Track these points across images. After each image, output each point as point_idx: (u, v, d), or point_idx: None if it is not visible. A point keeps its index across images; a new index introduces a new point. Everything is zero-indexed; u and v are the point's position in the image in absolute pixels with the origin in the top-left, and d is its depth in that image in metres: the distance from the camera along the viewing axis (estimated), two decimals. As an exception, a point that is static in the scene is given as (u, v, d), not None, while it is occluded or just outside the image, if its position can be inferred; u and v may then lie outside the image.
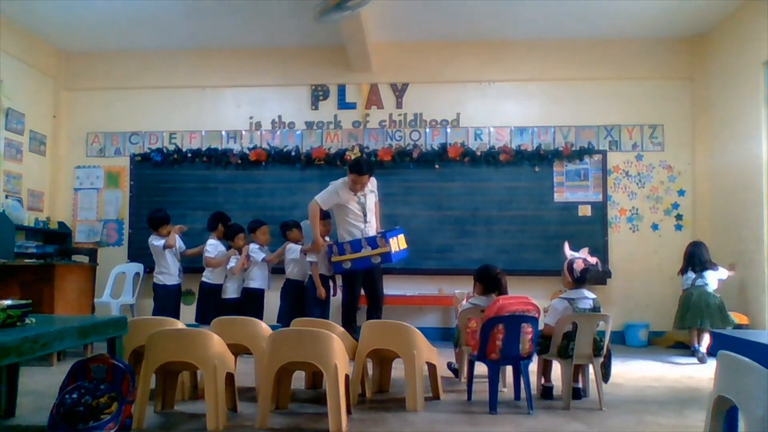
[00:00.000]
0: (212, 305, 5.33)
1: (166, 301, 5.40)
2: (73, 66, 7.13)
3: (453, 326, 5.72)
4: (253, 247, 5.50)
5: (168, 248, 5.42)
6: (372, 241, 4.81)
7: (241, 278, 5.50)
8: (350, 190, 4.98)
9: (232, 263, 5.42)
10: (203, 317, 5.27)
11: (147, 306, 6.65)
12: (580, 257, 3.84)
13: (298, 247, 5.41)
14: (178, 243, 5.63)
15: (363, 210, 5.02)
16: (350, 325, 4.81)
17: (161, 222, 5.49)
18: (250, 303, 5.38)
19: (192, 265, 5.86)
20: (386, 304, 5.37)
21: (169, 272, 5.44)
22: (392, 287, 6.07)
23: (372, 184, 5.16)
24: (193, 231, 6.68)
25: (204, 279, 5.49)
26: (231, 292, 5.45)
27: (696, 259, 5.57)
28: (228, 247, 5.51)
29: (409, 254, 5.26)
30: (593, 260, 3.85)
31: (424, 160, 6.63)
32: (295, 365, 3.32)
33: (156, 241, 5.44)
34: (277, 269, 5.76)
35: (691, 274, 5.56)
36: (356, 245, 4.83)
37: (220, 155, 6.80)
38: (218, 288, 5.46)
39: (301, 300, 5.39)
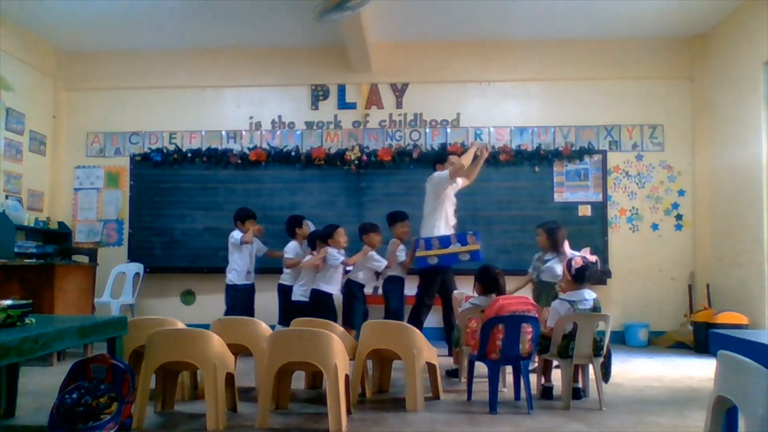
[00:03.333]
0: (285, 305, 5.41)
1: (236, 300, 5.45)
2: (73, 66, 7.13)
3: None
4: (332, 250, 5.24)
5: (245, 244, 5.47)
6: (462, 238, 4.66)
7: (311, 280, 5.32)
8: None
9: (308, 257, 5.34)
10: (282, 318, 5.37)
11: (147, 306, 6.69)
12: (579, 256, 3.84)
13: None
14: (258, 245, 5.72)
15: (454, 207, 4.96)
16: (415, 324, 4.64)
17: (247, 216, 5.57)
18: (322, 306, 5.16)
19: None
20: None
21: (238, 271, 5.49)
22: (392, 287, 6.08)
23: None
24: (193, 231, 6.73)
25: (281, 281, 5.57)
26: (299, 294, 5.34)
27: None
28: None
29: None
30: (593, 258, 3.84)
31: (424, 160, 6.62)
32: (295, 365, 3.32)
33: (236, 235, 5.51)
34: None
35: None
36: (445, 241, 4.68)
37: (220, 155, 6.80)
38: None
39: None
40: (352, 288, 5.23)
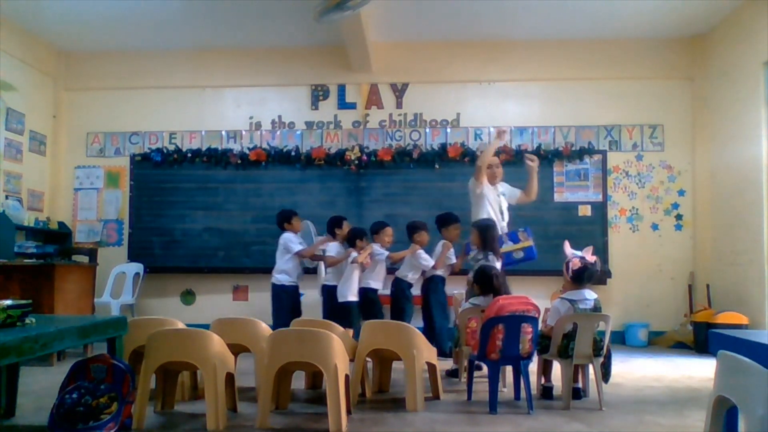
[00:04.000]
0: (331, 306, 5.32)
1: (284, 301, 5.40)
2: (73, 66, 7.13)
3: (452, 326, 5.70)
4: (376, 247, 5.22)
5: (303, 257, 5.44)
6: (513, 236, 4.59)
7: (351, 279, 5.20)
8: (489, 182, 4.86)
9: (353, 255, 5.18)
10: (326, 317, 5.17)
11: (147, 306, 6.69)
12: (578, 256, 3.83)
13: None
14: (300, 244, 5.57)
15: (500, 207, 4.87)
16: None
17: (291, 215, 5.51)
18: (370, 303, 5.12)
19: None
20: (385, 304, 5.33)
21: (288, 273, 5.42)
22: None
23: (504, 186, 5.05)
24: (193, 231, 6.72)
25: (324, 282, 5.49)
26: (350, 295, 5.14)
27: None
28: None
29: None
30: (592, 259, 3.82)
31: (424, 160, 6.63)
32: (295, 365, 3.32)
33: (292, 243, 5.42)
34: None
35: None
36: (499, 241, 4.59)
37: (220, 155, 6.80)
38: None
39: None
40: (402, 286, 5.19)
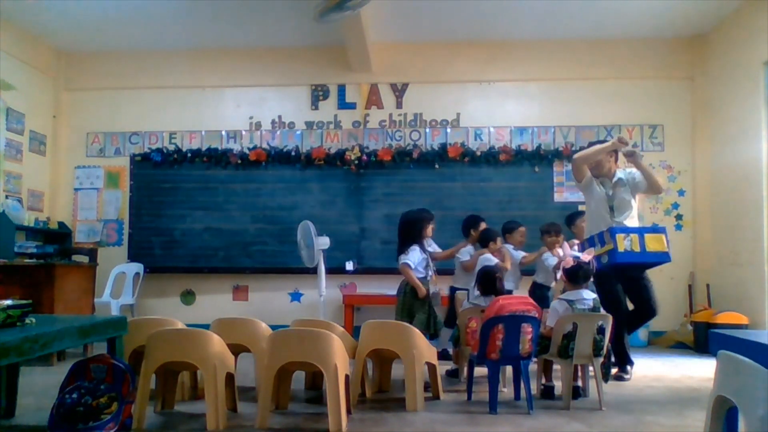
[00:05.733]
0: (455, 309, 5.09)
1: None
2: (73, 66, 7.13)
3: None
4: (509, 248, 5.10)
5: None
6: (600, 238, 4.26)
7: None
8: (594, 175, 4.52)
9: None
10: (450, 321, 4.95)
11: (147, 306, 6.68)
12: (573, 256, 3.82)
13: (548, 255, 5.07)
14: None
15: (609, 201, 4.44)
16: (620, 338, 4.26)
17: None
18: None
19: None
20: (385, 304, 5.32)
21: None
22: (392, 287, 6.06)
23: (628, 174, 4.55)
24: (192, 231, 6.72)
25: (453, 284, 5.23)
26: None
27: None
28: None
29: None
30: (587, 258, 3.81)
31: (424, 160, 6.63)
32: (295, 365, 3.32)
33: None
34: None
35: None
36: (591, 243, 4.33)
37: (220, 155, 6.80)
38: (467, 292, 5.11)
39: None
40: (540, 290, 5.10)
